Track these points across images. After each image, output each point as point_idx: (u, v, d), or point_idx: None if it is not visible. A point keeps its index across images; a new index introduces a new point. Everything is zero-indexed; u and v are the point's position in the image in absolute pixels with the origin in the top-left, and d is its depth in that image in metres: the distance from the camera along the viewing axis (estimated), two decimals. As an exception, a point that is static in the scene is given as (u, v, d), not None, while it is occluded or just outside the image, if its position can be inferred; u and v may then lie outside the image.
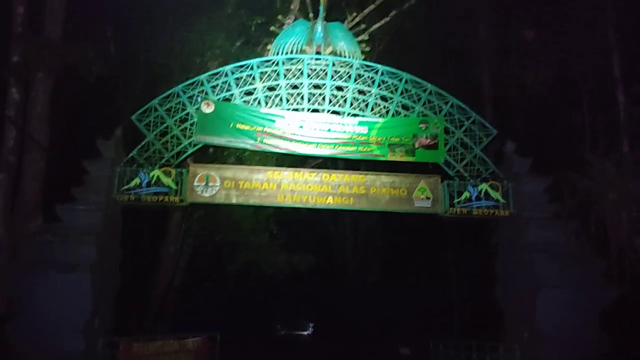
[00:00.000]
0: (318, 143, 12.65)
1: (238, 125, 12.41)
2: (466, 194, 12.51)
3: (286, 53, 12.70)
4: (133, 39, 16.81)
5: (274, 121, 12.56)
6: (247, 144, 12.63)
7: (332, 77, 12.78)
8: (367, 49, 14.48)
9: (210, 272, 21.68)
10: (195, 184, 12.24)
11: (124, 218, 12.89)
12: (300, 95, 12.85)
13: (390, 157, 12.73)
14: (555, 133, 17.48)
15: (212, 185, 12.31)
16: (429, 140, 12.68)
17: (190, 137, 12.43)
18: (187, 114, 12.49)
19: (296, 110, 12.81)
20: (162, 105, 12.37)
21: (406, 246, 25.09)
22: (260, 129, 12.49)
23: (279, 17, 15.64)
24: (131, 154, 12.18)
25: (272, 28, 14.15)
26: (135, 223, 16.54)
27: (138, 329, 15.51)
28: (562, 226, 12.51)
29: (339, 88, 12.89)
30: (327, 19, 13.37)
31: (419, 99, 12.83)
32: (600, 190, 14.20)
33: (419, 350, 15.46)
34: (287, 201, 12.59)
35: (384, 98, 12.92)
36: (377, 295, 27.02)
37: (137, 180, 11.92)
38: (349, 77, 12.77)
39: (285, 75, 12.74)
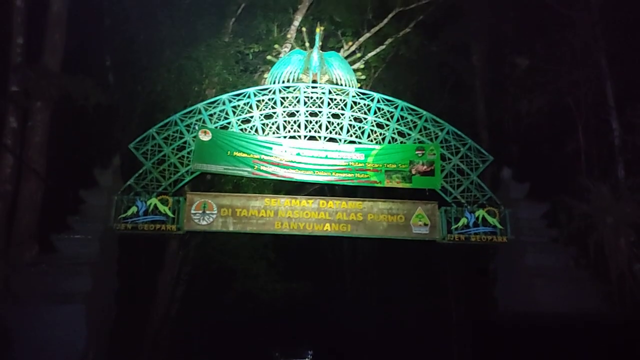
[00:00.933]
0: (315, 170, 12.70)
1: (235, 153, 12.47)
2: (464, 220, 12.51)
3: (283, 81, 12.84)
4: (131, 68, 16.95)
5: (271, 148, 12.63)
6: (245, 171, 12.67)
7: (329, 104, 12.89)
8: (363, 77, 14.71)
9: (207, 300, 21.48)
10: (192, 212, 12.23)
11: (120, 247, 12.83)
12: (297, 123, 12.94)
13: (387, 184, 12.77)
14: (551, 159, 17.54)
15: (209, 213, 12.30)
16: (425, 166, 12.73)
17: (187, 165, 12.46)
18: (185, 142, 12.54)
19: (293, 137, 12.89)
20: (159, 133, 12.43)
21: (404, 273, 24.95)
22: (257, 156, 12.55)
23: (276, 46, 15.85)
24: (128, 183, 12.19)
25: (269, 57, 14.36)
26: (131, 252, 16.40)
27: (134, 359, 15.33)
28: (561, 251, 12.50)
29: (336, 116, 12.99)
30: (323, 47, 13.58)
31: (415, 126, 12.92)
32: (597, 215, 14.18)
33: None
34: (285, 228, 12.57)
35: (380, 125, 13.01)
36: (376, 321, 26.78)
37: (134, 209, 11.90)
38: (345, 104, 12.88)
39: (282, 103, 12.85)
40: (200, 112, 12.61)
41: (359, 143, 12.90)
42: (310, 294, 21.37)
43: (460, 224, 12.49)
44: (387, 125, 12.94)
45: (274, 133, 12.85)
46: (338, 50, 16.24)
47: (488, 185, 13.23)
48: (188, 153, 12.49)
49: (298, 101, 12.89)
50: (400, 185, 12.82)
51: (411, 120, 12.93)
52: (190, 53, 15.76)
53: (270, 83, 12.94)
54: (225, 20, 17.31)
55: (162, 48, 16.14)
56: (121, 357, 13.31)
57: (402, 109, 12.86)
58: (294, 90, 12.88)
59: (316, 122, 12.97)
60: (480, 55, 20.67)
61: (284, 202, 12.68)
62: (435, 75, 20.95)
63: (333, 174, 12.71)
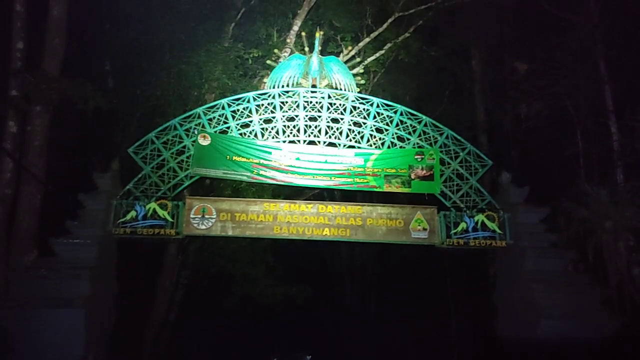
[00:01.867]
0: (314, 174, 12.69)
1: (234, 158, 12.47)
2: (463, 225, 12.50)
3: (282, 86, 12.86)
4: (130, 72, 16.98)
5: (270, 153, 12.63)
6: (244, 176, 12.67)
7: (328, 109, 12.90)
8: (362, 81, 14.72)
9: (206, 304, 21.43)
10: (191, 216, 12.22)
11: (119, 251, 12.82)
12: (297, 128, 12.95)
13: (386, 188, 12.75)
14: (550, 163, 17.58)
15: (209, 217, 12.29)
16: (424, 171, 12.74)
17: (186, 169, 12.46)
18: (184, 146, 12.54)
19: (292, 142, 12.89)
20: (158, 138, 12.44)
21: (404, 277, 24.93)
22: (256, 161, 12.55)
23: (276, 50, 15.84)
24: (127, 187, 12.18)
25: (268, 61, 14.35)
26: (130, 256, 16.40)
27: (133, 364, 15.29)
28: (560, 256, 12.50)
29: (335, 120, 13.01)
30: (323, 52, 13.61)
31: (414, 131, 12.93)
32: (596, 220, 14.21)
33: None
34: (284, 233, 12.54)
35: (379, 130, 13.03)
36: (375, 327, 26.74)
37: (133, 213, 11.88)
38: (345, 109, 12.90)
39: (281, 108, 12.87)
40: (199, 117, 12.62)
41: (359, 148, 12.90)
42: (310, 299, 21.27)
43: (459, 228, 12.49)
44: (386, 129, 12.96)
45: (273, 137, 12.86)
46: (337, 55, 16.29)
47: (487, 189, 13.24)
48: (187, 157, 12.49)
49: (297, 106, 12.91)
50: (400, 190, 12.81)
51: (410, 125, 12.94)
52: (189, 57, 15.78)
53: (270, 87, 12.95)
54: (225, 25, 17.35)
55: (161, 52, 16.18)
56: (120, 362, 13.28)
57: (401, 114, 12.88)
58: (294, 94, 12.90)
59: (315, 127, 12.98)
60: (480, 59, 20.75)
61: (283, 207, 12.67)
62: (435, 80, 21.00)
63: (332, 178, 12.71)
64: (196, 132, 12.49)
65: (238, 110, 12.76)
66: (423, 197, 12.95)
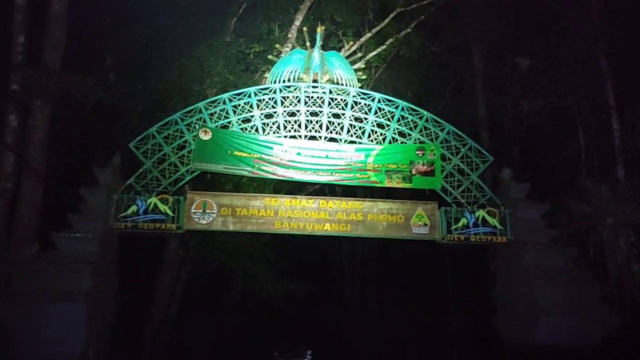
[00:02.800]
0: (315, 170, 12.67)
1: (235, 153, 12.46)
2: (463, 221, 12.49)
3: (283, 81, 12.83)
4: (131, 67, 16.97)
5: (271, 148, 12.62)
6: (245, 170, 12.65)
7: (329, 104, 12.88)
8: (364, 76, 14.67)
9: (206, 299, 21.49)
10: (192, 211, 12.21)
11: (120, 246, 12.82)
12: (298, 123, 12.93)
13: (387, 184, 12.75)
14: (551, 160, 17.58)
15: (209, 212, 12.28)
16: (425, 166, 12.72)
17: (187, 164, 12.45)
18: (185, 141, 12.52)
19: (293, 137, 12.87)
20: (160, 132, 12.42)
21: (404, 273, 24.96)
22: (257, 156, 12.53)
23: (277, 45, 15.83)
24: (128, 182, 12.17)
25: (269, 56, 14.32)
26: (131, 251, 16.43)
27: (134, 359, 15.32)
28: (561, 252, 12.49)
29: (336, 115, 12.98)
30: (324, 47, 13.56)
31: (416, 126, 12.91)
32: (597, 216, 14.22)
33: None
34: (285, 228, 12.54)
35: (380, 125, 13.00)
36: (376, 322, 26.78)
37: (134, 208, 11.88)
38: (346, 104, 12.88)
39: (282, 103, 12.85)
40: (200, 111, 12.60)
41: (360, 143, 12.89)
42: (310, 294, 21.33)
43: (460, 224, 12.47)
44: (387, 125, 12.94)
45: (274, 132, 12.84)
46: (339, 50, 16.21)
47: (488, 185, 13.22)
48: (188, 152, 12.47)
49: (299, 101, 12.89)
50: (401, 186, 12.80)
51: (412, 120, 12.92)
52: (191, 52, 15.77)
53: (271, 82, 12.92)
54: (227, 19, 17.33)
55: (163, 47, 16.15)
56: (121, 356, 13.32)
57: (402, 109, 12.85)
58: (295, 89, 12.87)
59: (317, 122, 12.96)
60: (481, 55, 20.71)
61: (284, 202, 12.67)
62: (436, 76, 20.98)
63: (333, 173, 12.69)
64: (197, 127, 12.48)
65: (239, 105, 12.74)
66: (424, 193, 12.94)
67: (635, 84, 15.68)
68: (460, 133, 12.90)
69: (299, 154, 12.65)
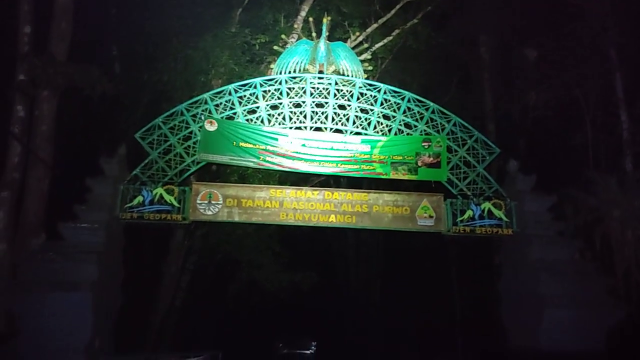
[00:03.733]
0: (321, 161, 12.65)
1: (241, 144, 12.44)
2: (469, 213, 12.46)
3: (289, 72, 12.79)
4: (137, 58, 16.96)
5: (276, 139, 12.59)
6: (250, 162, 12.64)
7: (335, 95, 12.84)
8: (370, 67, 14.59)
9: (212, 290, 21.57)
10: (197, 202, 12.23)
11: (126, 236, 12.87)
12: (303, 114, 12.90)
13: (392, 176, 12.72)
14: (558, 151, 17.49)
15: (215, 203, 12.30)
16: (431, 158, 12.68)
17: (193, 155, 12.46)
18: (191, 132, 12.53)
19: (299, 128, 12.85)
20: (165, 123, 12.43)
21: (409, 264, 24.98)
22: (263, 147, 12.52)
23: (283, 36, 15.77)
24: (134, 172, 12.19)
25: (275, 47, 14.28)
26: (137, 241, 16.49)
27: (139, 348, 15.40)
28: (567, 244, 12.44)
29: (342, 107, 12.94)
30: (330, 38, 13.48)
31: (422, 118, 12.86)
32: (604, 208, 14.15)
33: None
34: (290, 219, 12.55)
35: (386, 117, 12.96)
36: (380, 313, 26.84)
37: (139, 199, 11.91)
38: (352, 95, 12.83)
39: (288, 94, 12.81)
40: (206, 102, 12.59)
41: (365, 134, 12.85)
42: (315, 285, 21.37)
43: (465, 216, 12.45)
44: (393, 116, 12.89)
45: (279, 124, 12.82)
46: (345, 40, 16.15)
47: (494, 177, 13.17)
48: (194, 143, 12.48)
49: (304, 92, 12.85)
50: (406, 177, 12.77)
51: (418, 112, 12.87)
52: (197, 43, 15.73)
53: (277, 73, 12.88)
54: (232, 10, 17.25)
55: (168, 38, 16.13)
56: (127, 345, 13.40)
57: (408, 101, 12.80)
58: (300, 80, 12.83)
59: (322, 113, 12.92)
60: (488, 47, 20.57)
61: (289, 193, 12.67)
62: (443, 67, 20.84)
63: (339, 165, 12.67)
64: (203, 118, 12.47)
65: (245, 96, 12.72)
66: (430, 185, 12.91)
67: (645, 75, 15.56)
68: (466, 125, 12.84)
69: (304, 145, 12.63)
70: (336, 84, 12.81)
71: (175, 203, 12.00)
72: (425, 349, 20.80)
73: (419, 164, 12.65)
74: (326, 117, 12.90)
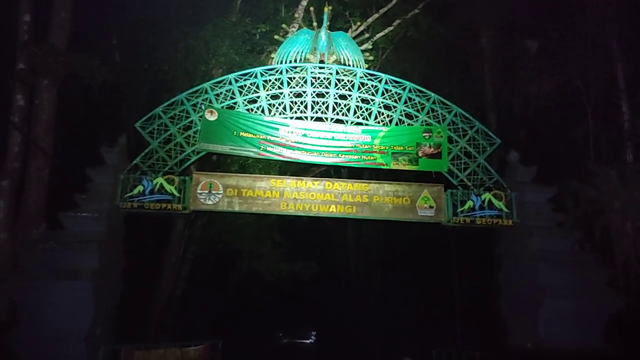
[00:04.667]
0: (321, 151, 12.65)
1: (241, 134, 12.42)
2: (469, 203, 12.47)
3: (290, 61, 12.74)
4: (137, 47, 16.90)
5: (277, 129, 12.57)
6: (251, 152, 12.62)
7: (336, 85, 12.81)
8: (371, 57, 14.54)
9: (212, 280, 21.64)
10: (198, 191, 12.24)
11: (126, 225, 12.89)
12: (304, 104, 12.87)
13: (393, 166, 12.70)
14: (558, 143, 17.47)
15: (215, 193, 12.31)
16: (432, 149, 12.66)
17: (193, 144, 12.44)
18: (191, 121, 12.51)
19: (300, 118, 12.83)
20: (166, 112, 12.40)
21: (409, 255, 25.03)
22: (263, 137, 12.50)
23: (283, 25, 15.68)
24: (134, 162, 12.19)
25: (276, 36, 14.21)
26: (138, 231, 16.51)
27: (140, 337, 15.47)
28: (566, 235, 12.46)
29: (343, 97, 12.91)
30: (331, 28, 13.43)
31: (423, 108, 12.83)
32: (604, 200, 14.16)
33: (422, 359, 15.39)
34: (290, 209, 12.56)
35: (387, 107, 12.93)
36: (380, 304, 26.94)
37: (140, 188, 11.91)
38: (353, 85, 12.80)
39: (288, 84, 12.78)
40: (206, 92, 12.56)
41: (366, 125, 12.83)
42: (315, 275, 21.44)
43: (466, 206, 12.46)
44: (394, 107, 12.86)
45: (280, 114, 12.80)
46: (346, 30, 16.09)
47: (495, 168, 13.17)
48: (194, 133, 12.46)
49: (305, 81, 12.81)
50: (407, 168, 12.76)
51: (419, 102, 12.84)
52: (197, 32, 15.67)
53: (277, 63, 12.83)
54: (233, -1, 17.17)
55: (169, 27, 16.08)
56: (127, 334, 13.43)
57: (409, 91, 12.76)
58: (301, 70, 12.80)
59: (323, 103, 12.90)
60: (490, 37, 20.47)
61: (289, 183, 12.67)
62: (444, 57, 20.78)
63: (339, 155, 12.65)
64: (203, 108, 12.44)
65: (245, 85, 12.68)
66: (430, 175, 12.91)
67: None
68: (467, 115, 12.82)
69: (305, 135, 12.61)
70: (337, 73, 12.77)
71: (175, 193, 12.01)
72: (425, 339, 20.86)
73: (420, 154, 12.64)
74: (327, 107, 12.87)
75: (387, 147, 12.64)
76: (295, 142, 12.56)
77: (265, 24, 16.83)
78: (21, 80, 13.01)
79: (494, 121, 19.04)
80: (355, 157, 12.67)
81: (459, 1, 19.59)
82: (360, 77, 12.78)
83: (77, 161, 13.03)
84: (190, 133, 12.49)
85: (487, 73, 20.24)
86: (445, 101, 12.84)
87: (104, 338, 11.42)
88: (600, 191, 14.13)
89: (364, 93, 12.84)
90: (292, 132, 12.59)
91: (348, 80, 12.83)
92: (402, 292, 25.49)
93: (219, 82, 12.71)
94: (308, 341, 31.01)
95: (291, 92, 12.83)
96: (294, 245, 20.89)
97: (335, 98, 12.87)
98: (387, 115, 12.91)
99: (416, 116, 12.88)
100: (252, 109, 12.75)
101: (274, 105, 12.82)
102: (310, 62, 12.74)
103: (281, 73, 12.69)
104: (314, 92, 12.85)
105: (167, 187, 11.98)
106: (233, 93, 12.65)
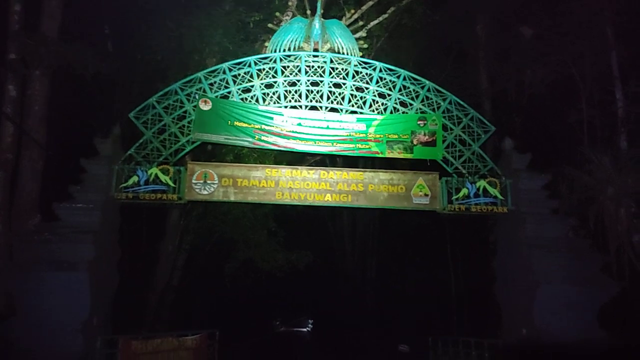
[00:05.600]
0: (316, 140, 12.63)
1: (236, 123, 12.38)
2: (464, 191, 12.51)
3: (284, 50, 12.69)
4: (130, 37, 16.76)
5: (272, 118, 12.54)
6: (245, 141, 12.60)
7: (330, 74, 12.76)
8: (365, 45, 14.52)
9: (208, 269, 21.68)
10: (193, 181, 12.22)
11: (122, 216, 12.88)
12: (298, 93, 12.83)
13: (388, 154, 12.70)
14: (553, 130, 17.48)
15: (210, 182, 12.29)
16: (427, 137, 12.67)
17: (188, 134, 12.40)
18: (185, 111, 12.46)
19: (294, 107, 12.79)
20: (159, 102, 12.34)
21: (405, 243, 25.13)
22: (258, 126, 12.46)
23: (277, 14, 15.62)
24: (129, 152, 12.14)
25: (269, 25, 14.15)
26: (133, 221, 16.52)
27: (137, 327, 15.51)
28: (561, 222, 12.53)
29: (337, 85, 12.88)
30: (325, 16, 13.36)
31: (417, 96, 12.82)
32: (598, 187, 14.21)
33: (418, 347, 15.52)
34: (285, 199, 12.57)
35: (381, 95, 12.90)
36: (376, 292, 27.08)
37: (135, 179, 11.88)
38: (347, 74, 12.76)
39: (282, 73, 12.73)
40: (200, 81, 12.50)
41: (361, 113, 12.81)
42: (311, 264, 21.52)
43: (460, 194, 12.50)
44: (389, 95, 12.84)
45: (274, 103, 12.76)
46: (340, 18, 16.00)
47: (490, 155, 13.20)
48: (189, 122, 12.42)
49: (299, 70, 12.77)
50: (402, 156, 12.76)
51: (413, 90, 12.82)
52: (190, 22, 15.57)
53: (271, 51, 12.77)
54: (226, -12, 17.03)
55: (162, 16, 15.93)
56: (124, 325, 13.47)
57: (404, 79, 12.74)
58: (295, 59, 12.74)
59: (317, 92, 12.86)
60: (484, 24, 20.39)
61: (285, 173, 12.66)
62: (438, 45, 20.71)
63: (334, 144, 12.65)
64: (197, 97, 12.39)
65: (239, 74, 12.63)
66: (425, 163, 12.93)
67: (641, 53, 15.49)
68: (462, 103, 12.82)
69: (299, 124, 12.58)
70: (331, 62, 12.73)
71: (170, 183, 11.98)
72: (420, 326, 21.02)
73: (415, 142, 12.65)
74: (321, 96, 12.84)
75: (381, 136, 12.64)
76: (290, 132, 12.54)
77: (259, 12, 16.73)
78: (13, 71, 12.90)
79: (488, 109, 19.03)
80: (350, 145, 12.67)
81: (453, -12, 19.49)
82: (355, 65, 12.74)
83: (71, 152, 12.97)
84: (185, 123, 12.44)
85: (481, 60, 20.19)
86: (440, 89, 12.83)
87: (100, 328, 11.45)
88: (594, 178, 14.17)
89: (358, 81, 12.81)
90: (286, 121, 12.57)
91: (342, 69, 12.79)
92: (397, 280, 25.63)
93: (212, 72, 12.64)
94: (304, 329, 31.18)
95: (285, 81, 12.79)
96: (290, 235, 20.93)
97: (330, 86, 12.84)
98: (382, 104, 12.89)
99: (411, 104, 12.87)
100: (246, 98, 12.70)
101: (268, 94, 12.77)
102: (304, 51, 12.69)
103: (275, 62, 12.63)
104: (308, 80, 12.81)
105: (162, 177, 11.95)
106: (227, 82, 12.60)
